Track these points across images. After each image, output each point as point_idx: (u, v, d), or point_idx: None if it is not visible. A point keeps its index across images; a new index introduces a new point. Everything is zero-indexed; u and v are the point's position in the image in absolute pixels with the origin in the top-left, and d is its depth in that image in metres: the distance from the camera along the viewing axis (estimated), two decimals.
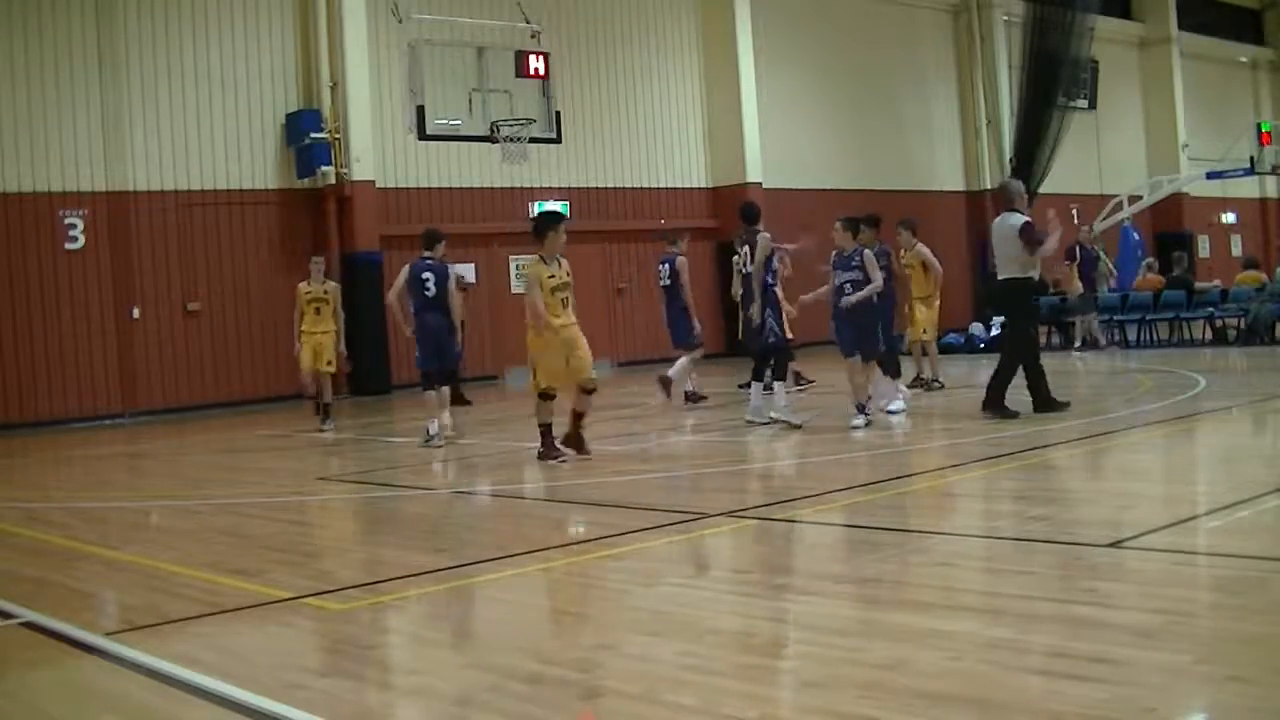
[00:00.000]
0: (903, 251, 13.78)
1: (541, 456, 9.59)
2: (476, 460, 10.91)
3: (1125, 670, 3.76)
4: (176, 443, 14.27)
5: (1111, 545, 5.54)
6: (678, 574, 5.70)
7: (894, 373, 11.65)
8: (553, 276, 9.47)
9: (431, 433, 11.28)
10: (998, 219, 10.75)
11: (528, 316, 9.45)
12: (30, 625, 5.32)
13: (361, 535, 7.84)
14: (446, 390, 11.75)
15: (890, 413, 11.34)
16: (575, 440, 9.68)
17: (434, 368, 11.44)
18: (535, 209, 21.65)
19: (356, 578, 6.08)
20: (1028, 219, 10.41)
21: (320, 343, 13.33)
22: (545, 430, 9.61)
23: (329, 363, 13.40)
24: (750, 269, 11.07)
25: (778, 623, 4.81)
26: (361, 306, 17.47)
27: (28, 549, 7.49)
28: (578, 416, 9.70)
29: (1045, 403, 10.37)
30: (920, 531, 6.46)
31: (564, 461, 9.44)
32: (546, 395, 9.54)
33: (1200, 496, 7.08)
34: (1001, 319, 10.52)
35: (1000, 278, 10.63)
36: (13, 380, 16.75)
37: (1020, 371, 10.39)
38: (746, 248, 11.16)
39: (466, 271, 19.49)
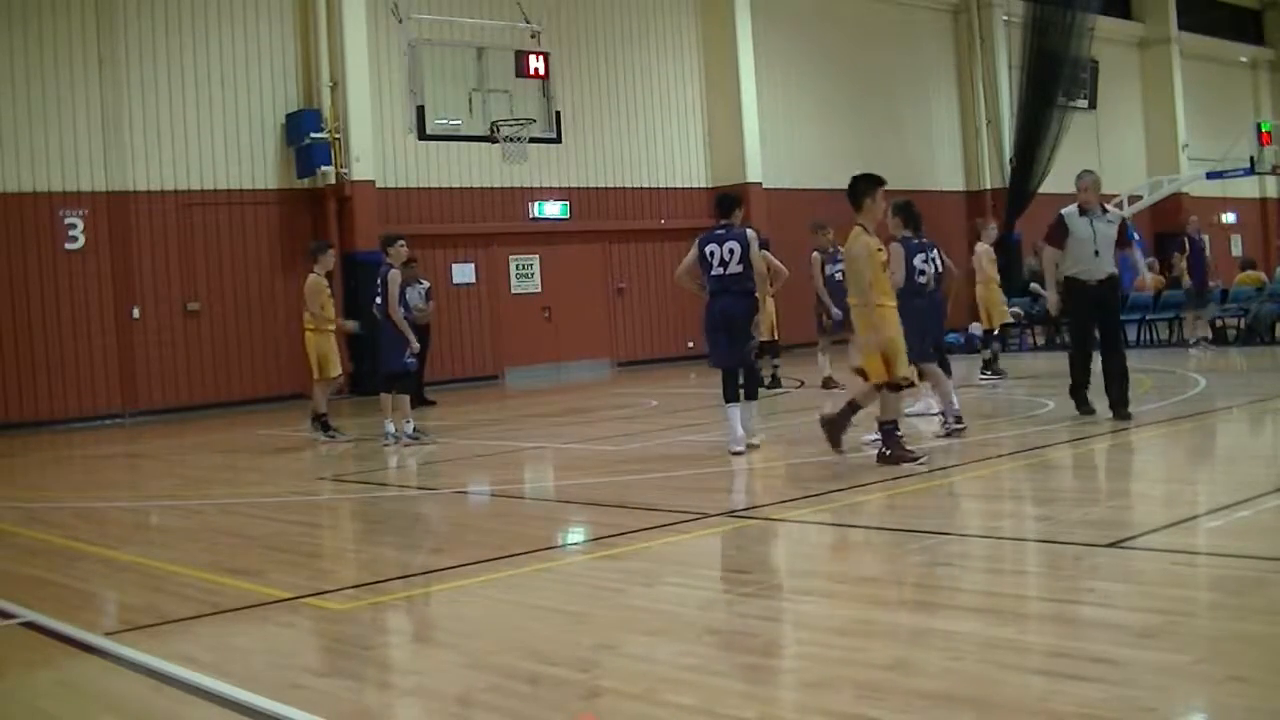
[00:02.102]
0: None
1: (888, 459, 8.23)
2: (476, 460, 10.91)
3: (1125, 670, 3.76)
4: (176, 443, 14.27)
5: (1111, 545, 5.54)
6: (678, 574, 5.70)
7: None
8: (880, 250, 8.34)
9: (387, 431, 11.82)
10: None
11: (852, 296, 8.34)
12: (30, 625, 5.32)
13: (361, 535, 7.84)
14: (391, 396, 11.86)
15: (905, 414, 11.35)
16: (835, 428, 8.50)
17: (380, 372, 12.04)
18: (536, 209, 21.72)
19: (356, 578, 6.08)
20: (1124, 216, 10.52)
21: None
22: (895, 426, 8.29)
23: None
24: (736, 269, 9.23)
25: (778, 623, 4.81)
26: (362, 306, 17.45)
27: (28, 549, 7.49)
28: (853, 408, 8.53)
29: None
30: (920, 531, 6.46)
31: (921, 463, 8.15)
32: (895, 386, 8.29)
33: (1200, 496, 7.08)
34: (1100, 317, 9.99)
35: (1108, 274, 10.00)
36: (13, 380, 16.76)
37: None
38: (733, 243, 9.24)
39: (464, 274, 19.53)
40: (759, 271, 9.38)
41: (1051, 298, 10.29)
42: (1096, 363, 10.04)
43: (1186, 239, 19.07)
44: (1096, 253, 9.88)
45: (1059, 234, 10.06)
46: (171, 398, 17.87)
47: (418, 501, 8.82)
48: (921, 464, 8.10)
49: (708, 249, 9.30)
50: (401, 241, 12.00)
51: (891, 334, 8.22)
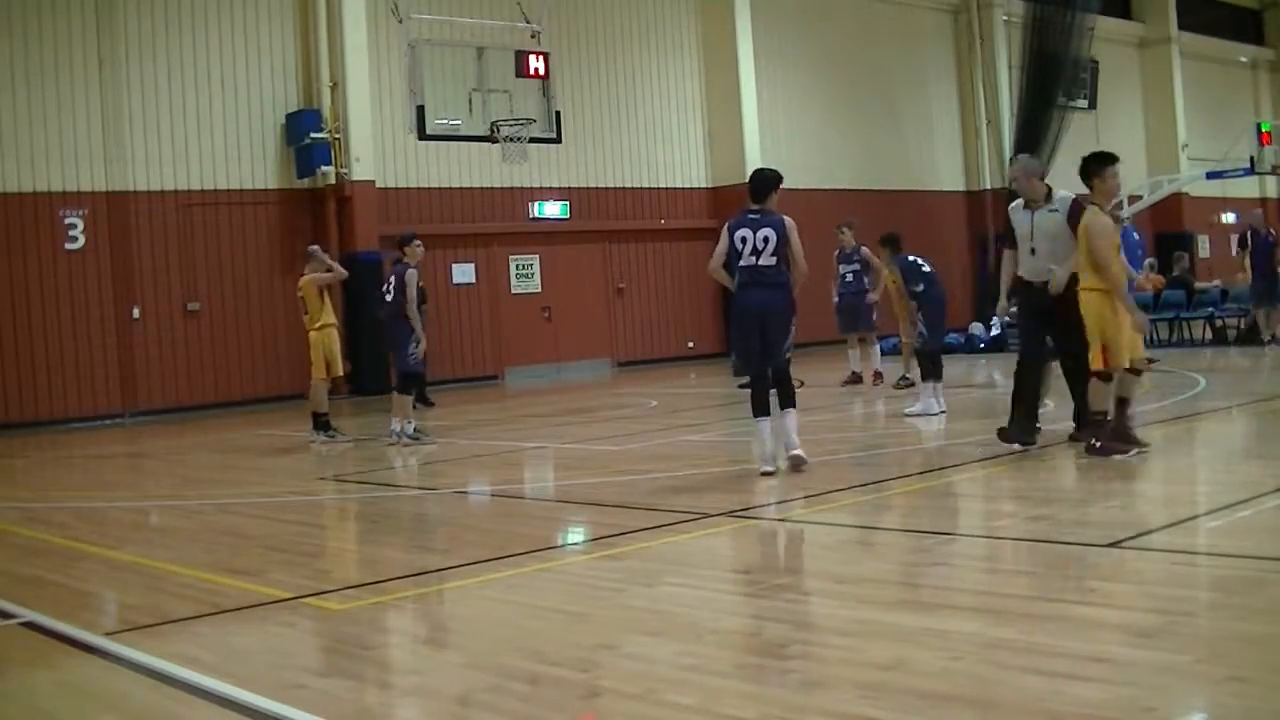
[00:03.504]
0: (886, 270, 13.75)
1: (1096, 450, 7.98)
2: (476, 460, 10.91)
3: (1125, 670, 3.76)
4: (176, 443, 14.26)
5: (1111, 545, 5.54)
6: (678, 574, 5.70)
7: (935, 375, 11.51)
8: (1113, 233, 8.01)
9: (393, 430, 11.83)
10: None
11: (1085, 279, 8.00)
12: (30, 625, 5.32)
13: (361, 535, 7.84)
14: (398, 395, 11.98)
15: (905, 414, 11.38)
16: (1123, 433, 8.09)
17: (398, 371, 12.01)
18: (535, 209, 21.72)
19: (356, 578, 6.08)
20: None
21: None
22: (1104, 417, 8.07)
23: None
24: (769, 260, 8.27)
25: (777, 623, 4.81)
26: (362, 306, 17.46)
27: (28, 549, 7.49)
28: (1123, 404, 8.15)
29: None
30: (920, 531, 6.46)
31: (1143, 452, 8.00)
32: (1105, 376, 7.99)
33: (1200, 496, 7.08)
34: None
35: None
36: (13, 380, 16.75)
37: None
38: (769, 230, 8.26)
39: (466, 272, 19.55)
40: (798, 266, 8.30)
41: (1001, 304, 9.20)
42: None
43: (1250, 233, 17.77)
44: (1033, 250, 8.64)
45: (1008, 231, 9.00)
46: (171, 398, 17.87)
47: (418, 501, 8.82)
48: (1135, 454, 7.87)
49: (739, 235, 8.27)
50: (418, 241, 12.08)
51: (1122, 319, 7.94)
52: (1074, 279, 8.28)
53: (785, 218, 8.36)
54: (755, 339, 8.29)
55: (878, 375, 14.99)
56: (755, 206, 8.39)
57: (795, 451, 8.23)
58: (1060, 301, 8.43)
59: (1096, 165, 8.20)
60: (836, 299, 15.13)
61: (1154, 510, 6.64)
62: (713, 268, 8.63)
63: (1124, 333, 7.96)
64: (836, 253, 15.20)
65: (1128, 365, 8.04)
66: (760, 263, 8.22)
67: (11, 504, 9.53)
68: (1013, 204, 8.90)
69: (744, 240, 8.25)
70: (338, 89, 19.11)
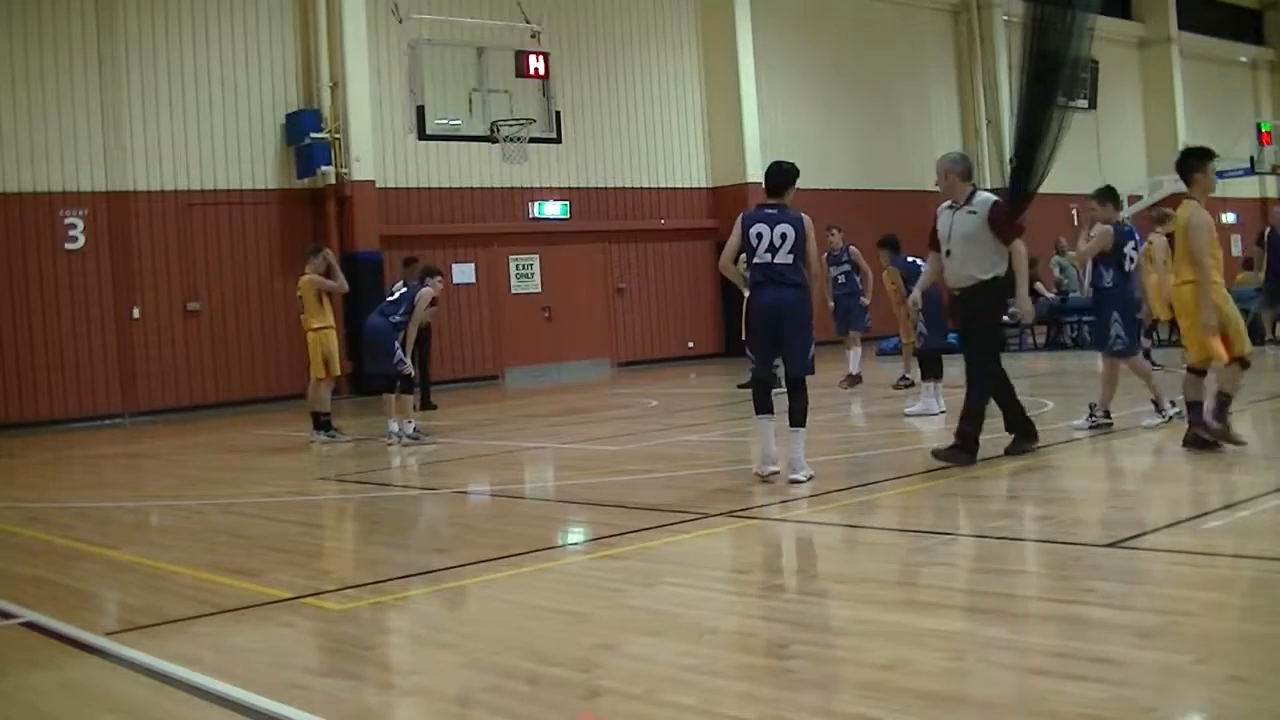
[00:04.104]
0: (885, 271, 13.74)
1: (1196, 442, 8.04)
2: (476, 460, 10.91)
3: (1125, 670, 3.76)
4: (176, 443, 14.26)
5: (1111, 545, 5.54)
6: (678, 574, 5.70)
7: (935, 375, 11.52)
8: (1211, 228, 7.92)
9: (390, 430, 11.93)
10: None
11: (1182, 275, 7.93)
12: (30, 625, 5.32)
13: (361, 535, 7.84)
14: (394, 396, 12.06)
15: (905, 414, 11.38)
16: (1224, 431, 7.97)
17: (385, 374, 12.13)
18: (536, 209, 21.72)
19: (356, 578, 6.08)
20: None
21: None
22: (1200, 406, 8.04)
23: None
24: (786, 258, 7.82)
25: (778, 623, 4.81)
26: (362, 306, 17.45)
27: (28, 549, 7.49)
28: (1226, 400, 8.02)
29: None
30: (920, 531, 6.46)
31: (1243, 444, 7.98)
32: (1200, 371, 8.03)
33: (1200, 496, 7.08)
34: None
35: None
36: (13, 380, 16.76)
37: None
38: (786, 227, 7.83)
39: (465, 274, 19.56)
40: (811, 267, 7.91)
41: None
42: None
43: (1270, 232, 17.40)
44: (948, 252, 8.31)
45: (931, 232, 8.67)
46: (171, 398, 17.87)
47: (418, 501, 8.82)
48: (1233, 446, 7.82)
49: (754, 230, 7.81)
50: (440, 278, 12.70)
51: (1231, 311, 7.94)
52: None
53: (804, 215, 7.96)
54: (767, 340, 7.90)
55: (855, 377, 14.87)
56: (772, 201, 8.00)
57: (795, 476, 7.70)
58: (965, 308, 8.29)
59: (1196, 160, 8.07)
60: (832, 303, 15.15)
61: (1154, 510, 6.64)
62: (724, 264, 8.19)
63: (1235, 322, 7.98)
64: (825, 255, 15.19)
65: (1240, 355, 7.97)
66: (776, 260, 7.77)
67: (12, 504, 9.53)
68: (943, 204, 8.58)
69: (759, 236, 7.80)
70: (338, 89, 19.11)
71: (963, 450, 8.11)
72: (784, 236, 7.77)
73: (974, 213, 8.21)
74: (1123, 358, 9.53)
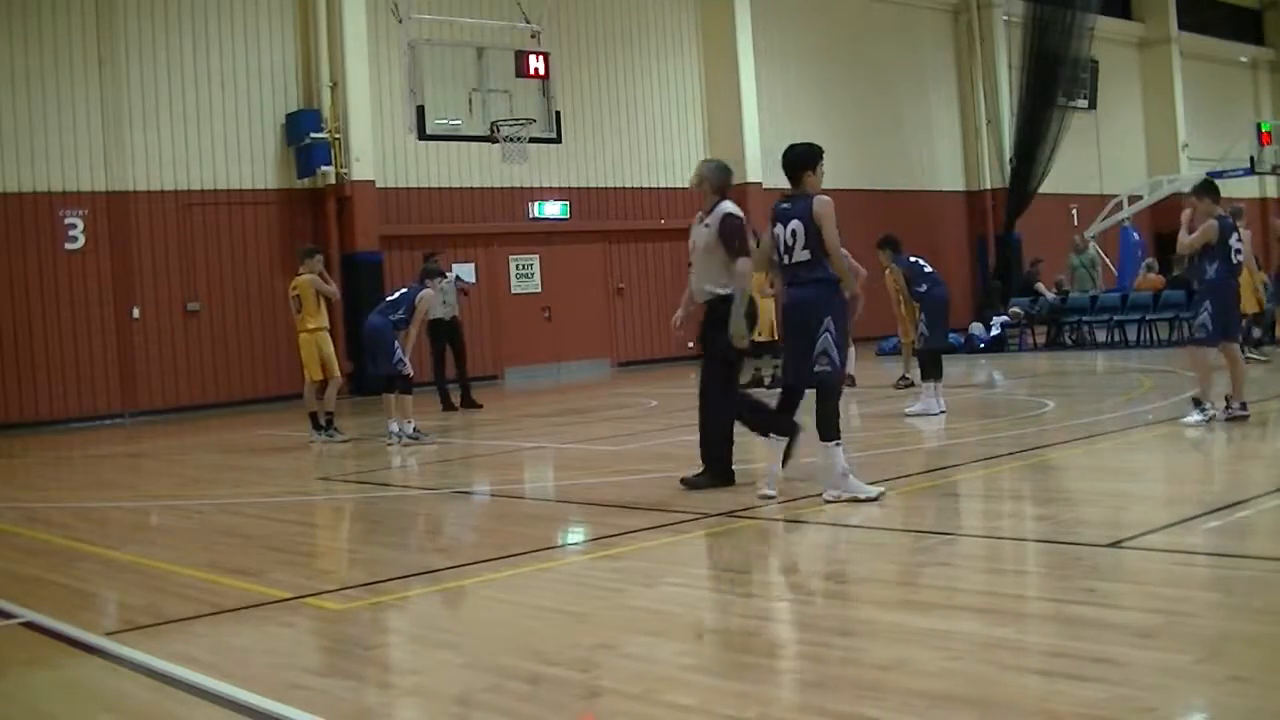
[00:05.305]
0: (887, 271, 13.71)
1: None
2: (476, 460, 10.92)
3: (1125, 670, 3.76)
4: (176, 443, 14.27)
5: (1111, 545, 5.54)
6: (678, 574, 5.70)
7: (935, 375, 11.50)
8: None
9: (390, 430, 11.93)
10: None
11: None
12: (30, 625, 5.32)
13: (361, 535, 7.84)
14: (394, 396, 12.09)
15: (906, 414, 11.38)
16: None
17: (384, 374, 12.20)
18: (536, 209, 21.72)
19: (356, 578, 6.08)
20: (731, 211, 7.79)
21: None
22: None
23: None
24: (802, 255, 7.11)
25: (777, 623, 4.81)
26: (362, 306, 17.46)
27: (28, 549, 7.49)
28: None
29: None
30: (920, 531, 6.46)
31: None
32: None
33: (1200, 496, 7.08)
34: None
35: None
36: (13, 380, 16.75)
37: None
38: (796, 222, 7.11)
39: (465, 273, 19.55)
40: (832, 257, 7.05)
41: (674, 318, 8.46)
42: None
43: None
44: (690, 264, 7.96)
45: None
46: (171, 398, 17.87)
47: (418, 501, 8.82)
48: None
49: (773, 232, 7.22)
50: (443, 280, 13.02)
51: None
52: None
53: (816, 198, 7.08)
54: (790, 344, 7.31)
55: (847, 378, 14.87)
56: (788, 192, 7.27)
57: (828, 495, 7.02)
58: (703, 322, 7.93)
59: None
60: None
61: (1154, 510, 6.64)
62: (754, 272, 7.77)
63: None
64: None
65: None
66: (792, 260, 7.11)
67: (12, 504, 9.53)
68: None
69: (776, 237, 7.18)
70: (338, 89, 19.11)
71: (715, 476, 7.80)
72: (794, 234, 7.07)
73: (709, 226, 7.76)
74: (1198, 345, 9.48)
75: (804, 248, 7.05)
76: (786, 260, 7.15)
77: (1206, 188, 9.63)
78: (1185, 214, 9.76)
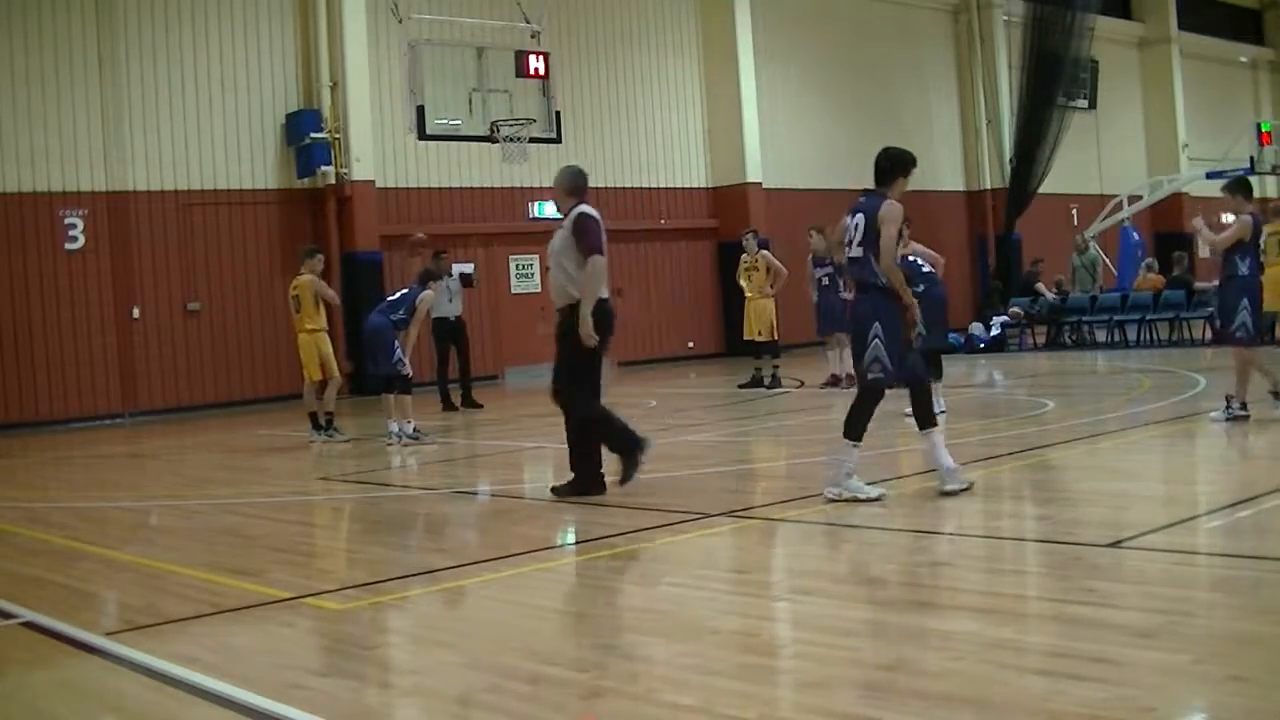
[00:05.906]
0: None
1: None
2: (476, 460, 10.91)
3: (1124, 670, 3.76)
4: (176, 443, 14.27)
5: (1111, 545, 5.54)
6: (678, 574, 5.70)
7: (935, 375, 11.46)
8: None
9: (390, 430, 11.94)
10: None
11: None
12: (30, 625, 5.32)
13: (361, 535, 7.84)
14: (393, 396, 12.11)
15: (905, 414, 11.35)
16: None
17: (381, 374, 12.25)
18: (536, 209, 21.72)
19: (356, 578, 6.08)
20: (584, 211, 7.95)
21: None
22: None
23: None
24: (856, 252, 7.15)
25: (778, 623, 4.81)
26: (362, 306, 17.45)
27: (28, 549, 7.49)
28: None
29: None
30: (920, 531, 6.46)
31: None
32: None
33: (1200, 496, 7.08)
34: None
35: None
36: (13, 380, 16.74)
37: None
38: (860, 216, 7.15)
39: (467, 269, 19.54)
40: (884, 259, 6.96)
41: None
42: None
43: None
44: (547, 269, 8.06)
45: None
46: (171, 398, 17.86)
47: (418, 501, 8.82)
48: None
49: (846, 220, 7.26)
50: (443, 282, 13.19)
51: None
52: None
53: (888, 200, 7.07)
54: (854, 344, 7.31)
55: (850, 377, 14.85)
56: (874, 188, 7.28)
57: (829, 493, 7.14)
58: (562, 327, 8.05)
59: None
60: (816, 301, 15.12)
61: (1154, 510, 6.64)
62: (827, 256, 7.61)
63: None
64: (809, 257, 15.20)
65: None
66: (850, 254, 7.17)
67: (12, 504, 9.53)
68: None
69: (845, 227, 7.21)
70: (338, 89, 19.10)
71: (583, 483, 7.87)
72: (857, 227, 7.08)
73: (564, 228, 7.95)
74: (1239, 345, 9.44)
75: (859, 244, 7.07)
76: (847, 252, 7.23)
77: (1240, 185, 9.64)
78: (1197, 220, 9.79)
